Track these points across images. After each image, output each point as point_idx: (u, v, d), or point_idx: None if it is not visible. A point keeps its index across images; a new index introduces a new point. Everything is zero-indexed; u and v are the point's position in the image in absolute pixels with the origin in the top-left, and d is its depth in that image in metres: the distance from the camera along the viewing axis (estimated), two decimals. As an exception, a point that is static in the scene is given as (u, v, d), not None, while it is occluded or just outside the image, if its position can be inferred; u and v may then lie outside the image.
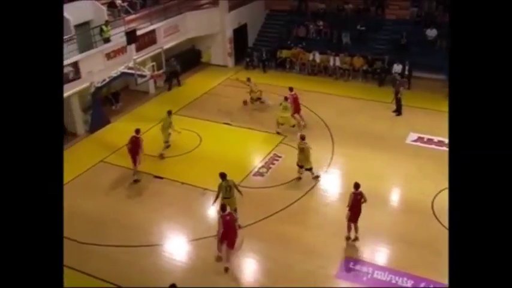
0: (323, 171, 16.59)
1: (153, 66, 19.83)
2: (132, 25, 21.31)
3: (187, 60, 26.03)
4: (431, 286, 11.47)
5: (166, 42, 23.17)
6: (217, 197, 13.56)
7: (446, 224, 12.07)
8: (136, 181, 16.30)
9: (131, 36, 19.66)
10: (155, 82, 23.48)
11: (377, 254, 12.92)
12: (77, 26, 20.03)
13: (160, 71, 20.34)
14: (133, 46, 20.65)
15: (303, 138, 15.79)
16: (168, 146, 18.06)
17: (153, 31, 22.79)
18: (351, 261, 12.51)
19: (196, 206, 14.76)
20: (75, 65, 18.87)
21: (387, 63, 23.77)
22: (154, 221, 14.47)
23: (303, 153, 15.63)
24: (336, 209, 14.00)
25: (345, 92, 22.98)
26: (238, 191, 13.70)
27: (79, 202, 15.25)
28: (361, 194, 12.60)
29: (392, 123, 20.04)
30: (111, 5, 22.50)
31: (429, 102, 20.80)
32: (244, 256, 13.03)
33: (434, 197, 14.38)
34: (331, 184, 16.17)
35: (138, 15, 23.10)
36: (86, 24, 20.82)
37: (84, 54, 19.43)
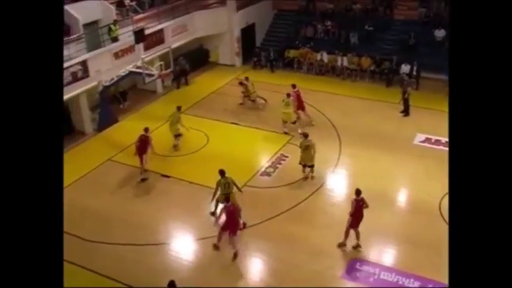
0: (330, 171, 16.60)
1: (161, 65, 19.89)
2: (140, 24, 21.35)
3: (195, 59, 26.05)
4: (438, 287, 11.44)
5: (174, 42, 23.22)
6: (215, 194, 13.79)
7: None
8: (143, 180, 16.36)
9: (139, 36, 19.69)
10: (163, 81, 23.54)
11: (384, 254, 12.91)
12: (86, 25, 20.12)
13: (168, 70, 20.41)
14: (141, 45, 20.69)
15: (306, 135, 15.80)
16: (178, 136, 18.27)
17: (161, 30, 22.86)
18: (358, 262, 12.49)
19: (203, 205, 14.78)
20: (83, 63, 18.97)
21: (395, 63, 23.70)
22: (161, 219, 14.53)
23: (308, 150, 15.63)
24: (343, 209, 13.97)
25: (353, 92, 22.93)
26: (238, 188, 13.78)
27: (87, 200, 15.35)
28: (362, 200, 12.49)
29: (399, 123, 19.98)
30: (120, 5, 22.58)
31: (437, 103, 20.71)
32: (251, 256, 13.06)
33: (442, 198, 14.32)
34: (338, 184, 16.16)
35: (146, 14, 23.18)
36: (94, 23, 20.90)
37: (92, 53, 19.51)
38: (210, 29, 25.78)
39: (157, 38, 22.56)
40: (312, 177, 16.01)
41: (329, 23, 26.91)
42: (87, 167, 17.23)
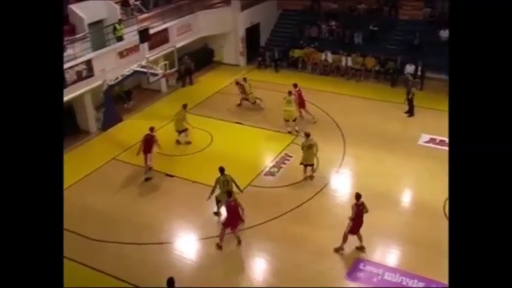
0: (334, 172, 16.60)
1: (165, 64, 19.93)
2: (145, 24, 21.39)
3: (199, 59, 26.04)
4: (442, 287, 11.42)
5: (178, 41, 23.21)
6: (213, 191, 13.83)
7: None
8: (147, 179, 16.38)
9: (144, 35, 19.76)
10: (167, 80, 23.56)
11: (388, 255, 12.89)
12: (91, 25, 20.15)
13: (173, 70, 20.45)
14: (146, 45, 20.77)
15: (307, 135, 15.82)
16: (183, 131, 18.44)
17: (165, 30, 22.88)
18: (361, 262, 12.47)
19: (207, 205, 14.78)
20: (88, 63, 18.99)
21: (400, 63, 23.64)
22: (165, 218, 14.55)
23: (311, 150, 15.64)
24: (347, 210, 13.90)
25: (357, 92, 22.90)
26: (237, 186, 13.78)
27: (91, 199, 15.39)
28: (363, 205, 12.43)
29: (404, 124, 19.95)
30: (125, 4, 22.61)
31: (442, 103, 20.54)
32: (254, 256, 13.07)
33: (446, 199, 14.27)
34: (342, 184, 16.14)
35: (151, 14, 23.19)
36: (99, 22, 20.93)
37: (97, 52, 19.54)
38: (214, 28, 25.79)
39: (162, 38, 22.59)
40: (312, 177, 16.00)
41: (333, 23, 26.88)
42: (92, 166, 17.27)
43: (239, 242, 13.11)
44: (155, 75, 19.44)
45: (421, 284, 11.67)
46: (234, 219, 12.91)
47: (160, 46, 21.96)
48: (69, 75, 18.10)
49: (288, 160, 17.30)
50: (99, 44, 19.94)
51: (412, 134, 18.73)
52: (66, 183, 15.81)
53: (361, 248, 12.78)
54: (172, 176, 16.61)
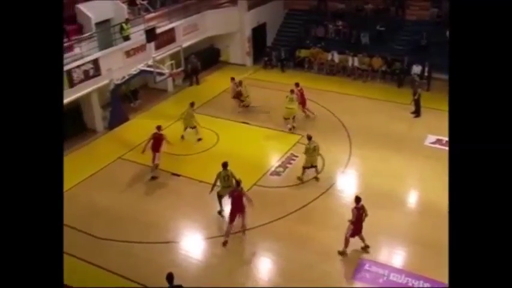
0: (340, 172, 16.59)
1: (171, 64, 19.98)
2: (152, 23, 21.45)
3: (205, 58, 26.10)
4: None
5: (185, 41, 23.27)
6: (214, 184, 13.97)
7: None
8: (153, 178, 16.43)
9: (151, 35, 19.82)
10: (174, 80, 23.61)
11: (393, 256, 12.88)
12: (98, 24, 20.22)
13: (179, 69, 20.49)
14: (152, 44, 20.84)
15: (309, 138, 15.83)
16: (194, 128, 18.65)
17: (172, 29, 22.94)
18: (367, 263, 12.45)
19: (213, 204, 14.79)
20: (95, 62, 19.07)
21: (406, 64, 23.59)
22: (171, 218, 14.58)
23: (315, 152, 15.65)
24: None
25: (363, 92, 22.87)
26: (236, 181, 13.80)
27: (97, 198, 15.45)
28: (363, 208, 12.41)
29: (410, 124, 19.91)
30: (131, 4, 22.68)
31: (448, 104, 20.56)
32: (260, 255, 13.09)
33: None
34: (348, 185, 16.13)
35: (157, 13, 23.23)
36: (106, 22, 21.01)
37: (104, 51, 19.61)
38: (221, 28, 25.83)
39: (169, 37, 22.65)
40: (317, 179, 16.01)
41: (340, 23, 26.85)
42: (98, 165, 17.33)
43: (244, 231, 13.32)
44: (162, 74, 19.49)
45: (427, 285, 11.65)
46: (238, 210, 13.08)
47: (167, 46, 22.01)
48: (76, 75, 18.19)
49: (294, 160, 17.29)
50: (106, 43, 20.01)
51: (418, 135, 18.69)
52: (72, 182, 15.93)
53: (365, 248, 12.76)
54: (178, 175, 16.65)
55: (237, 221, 13.26)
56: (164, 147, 16.41)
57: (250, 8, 26.26)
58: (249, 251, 13.23)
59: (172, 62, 20.05)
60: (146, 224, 14.21)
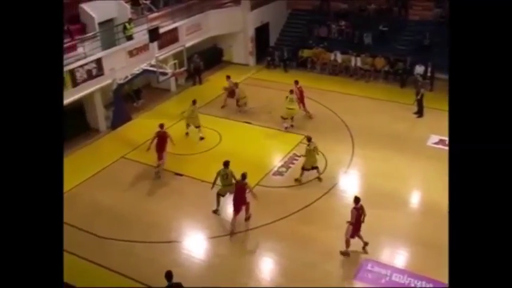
0: (343, 172, 16.58)
1: (175, 64, 20.03)
2: (155, 23, 21.47)
3: (208, 58, 26.13)
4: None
5: (188, 40, 23.30)
6: (214, 182, 14.16)
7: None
8: (157, 176, 16.43)
9: (154, 34, 19.84)
10: (176, 80, 23.65)
11: (396, 256, 12.86)
12: (101, 24, 20.26)
13: (182, 69, 20.52)
14: (155, 44, 20.85)
15: (309, 139, 15.81)
16: (198, 127, 18.74)
17: (175, 29, 22.97)
18: (369, 263, 12.44)
19: (215, 204, 14.81)
20: (98, 61, 19.10)
21: (409, 64, 23.56)
22: (174, 217, 14.60)
23: (314, 153, 15.64)
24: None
25: (366, 92, 22.85)
26: (235, 179, 13.81)
27: (100, 197, 15.47)
28: (362, 208, 12.40)
29: (413, 125, 19.88)
30: (135, 3, 22.70)
31: (451, 104, 20.51)
32: (262, 255, 13.09)
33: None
34: (351, 185, 16.11)
35: (160, 13, 23.27)
36: (109, 21, 21.05)
37: (107, 51, 19.63)
38: (224, 28, 25.85)
39: (172, 37, 22.69)
40: (320, 179, 15.99)
41: (343, 23, 26.83)
42: (101, 164, 17.36)
43: (247, 219, 13.87)
44: (164, 74, 19.50)
45: (429, 286, 11.63)
46: (240, 201, 13.34)
47: (170, 45, 22.06)
48: (80, 74, 18.23)
49: (297, 160, 17.28)
50: (109, 43, 20.04)
51: (421, 135, 18.66)
52: (75, 181, 15.97)
53: (365, 245, 12.73)
54: (181, 175, 16.66)
55: (240, 217, 13.41)
56: (169, 145, 16.40)
57: (253, 7, 26.26)
58: (252, 250, 13.24)
59: (175, 61, 20.09)
60: (148, 224, 14.23)
